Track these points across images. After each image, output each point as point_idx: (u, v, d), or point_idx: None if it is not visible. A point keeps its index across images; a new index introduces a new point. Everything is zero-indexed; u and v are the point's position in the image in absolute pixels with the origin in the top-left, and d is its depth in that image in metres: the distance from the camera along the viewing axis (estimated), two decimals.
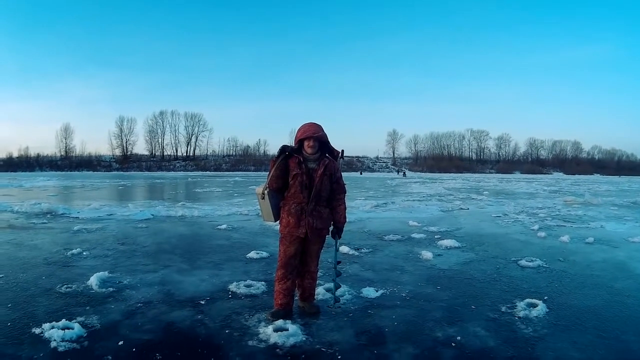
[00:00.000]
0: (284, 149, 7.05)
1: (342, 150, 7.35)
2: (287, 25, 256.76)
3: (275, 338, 6.30)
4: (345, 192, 7.54)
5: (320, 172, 7.03)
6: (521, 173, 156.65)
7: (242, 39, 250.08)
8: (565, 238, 15.17)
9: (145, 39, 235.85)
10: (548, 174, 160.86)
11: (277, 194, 7.24)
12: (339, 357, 5.91)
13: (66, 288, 8.48)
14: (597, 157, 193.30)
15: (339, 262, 7.56)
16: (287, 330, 6.50)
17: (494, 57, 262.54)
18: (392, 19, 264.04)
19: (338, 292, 7.70)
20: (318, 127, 7.09)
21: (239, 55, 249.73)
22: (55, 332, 6.17)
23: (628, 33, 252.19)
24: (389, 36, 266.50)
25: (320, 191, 7.06)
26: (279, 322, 6.78)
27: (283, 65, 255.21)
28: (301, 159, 7.00)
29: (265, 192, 7.07)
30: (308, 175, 7.00)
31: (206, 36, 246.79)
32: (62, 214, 20.32)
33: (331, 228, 7.42)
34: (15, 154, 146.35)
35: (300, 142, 7.06)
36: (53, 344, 5.92)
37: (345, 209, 7.48)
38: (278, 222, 7.35)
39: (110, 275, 9.31)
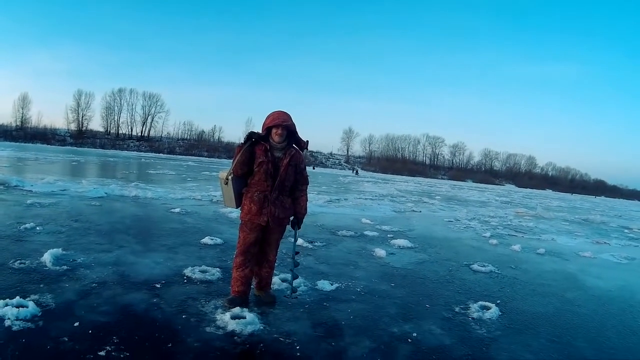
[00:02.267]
0: (251, 135, 6.98)
1: (307, 142, 7.32)
2: (254, 14, 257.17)
3: (232, 325, 6.27)
4: (308, 184, 7.54)
5: (286, 161, 7.01)
6: (473, 182, 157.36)
7: (209, 24, 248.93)
8: (516, 247, 15.37)
9: (112, 15, 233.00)
10: (500, 185, 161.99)
11: (241, 180, 7.18)
12: (297, 347, 5.91)
13: (19, 264, 8.30)
14: (550, 174, 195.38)
15: (297, 253, 7.60)
16: (244, 318, 6.48)
17: (456, 66, 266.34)
18: (359, 17, 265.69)
19: (295, 283, 7.70)
20: (287, 116, 7.06)
21: (204, 39, 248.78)
22: (9, 310, 6.01)
23: (592, 56, 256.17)
24: (353, 34, 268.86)
25: (284, 181, 7.04)
26: (236, 310, 6.75)
27: (245, 53, 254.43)
28: (268, 147, 6.97)
29: (230, 177, 7.00)
30: (274, 164, 6.97)
31: (174, 17, 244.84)
32: (15, 186, 19.96)
33: (291, 218, 7.43)
34: None
35: (268, 129, 7.02)
36: (7, 323, 5.77)
37: (306, 200, 7.49)
38: (239, 208, 7.32)
39: (64, 252, 9.15)
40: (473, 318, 7.65)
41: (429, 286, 9.51)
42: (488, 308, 8.10)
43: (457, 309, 8.04)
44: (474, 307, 8.14)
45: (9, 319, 5.85)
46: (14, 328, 5.68)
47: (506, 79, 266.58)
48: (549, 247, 16.39)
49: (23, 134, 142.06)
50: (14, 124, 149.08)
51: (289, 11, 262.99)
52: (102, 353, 5.24)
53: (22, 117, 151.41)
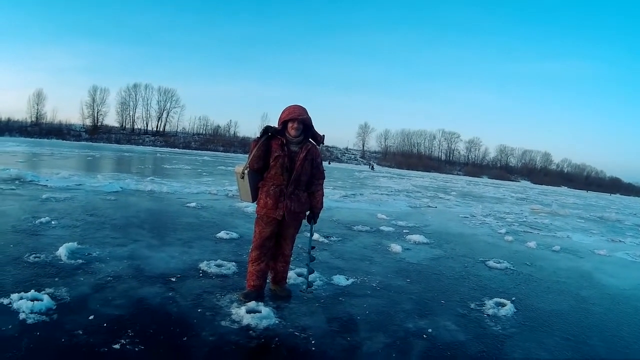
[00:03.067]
0: (267, 129, 6.99)
1: (324, 136, 7.29)
2: (270, 9, 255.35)
3: (248, 319, 6.29)
4: (324, 178, 7.52)
5: (302, 155, 6.99)
6: (489, 178, 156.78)
7: (224, 18, 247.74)
8: (532, 244, 15.30)
9: (126, 10, 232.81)
10: (516, 181, 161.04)
11: (257, 174, 7.16)
12: (312, 341, 5.91)
13: (34, 257, 8.31)
14: (566, 170, 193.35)
15: (313, 248, 7.58)
16: (259, 312, 6.49)
17: (472, 61, 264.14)
18: (375, 13, 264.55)
19: (310, 278, 7.70)
20: (303, 110, 7.03)
21: (219, 34, 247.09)
22: (24, 303, 6.03)
23: (609, 52, 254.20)
24: (369, 29, 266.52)
25: (300, 175, 7.01)
26: (252, 304, 6.76)
27: (261, 48, 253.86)
28: (284, 141, 6.95)
29: (246, 171, 6.98)
30: (290, 158, 6.95)
31: (188, 11, 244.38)
32: (30, 180, 20.03)
33: (307, 213, 7.42)
34: None
35: (284, 123, 7.00)
36: (22, 316, 5.79)
37: (323, 194, 7.47)
38: (255, 202, 7.30)
39: (79, 246, 9.15)
40: (488, 315, 7.62)
41: (444, 282, 9.48)
42: (503, 305, 8.07)
43: (472, 305, 8.01)
44: (489, 303, 8.11)
45: (23, 312, 5.87)
46: (29, 321, 5.69)
47: (522, 74, 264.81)
48: (564, 245, 16.31)
49: (38, 129, 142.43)
50: (29, 120, 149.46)
51: (306, 6, 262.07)
52: (117, 346, 5.26)
53: (37, 113, 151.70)
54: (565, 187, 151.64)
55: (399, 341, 6.19)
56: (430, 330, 6.66)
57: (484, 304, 8.11)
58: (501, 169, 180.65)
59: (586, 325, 7.72)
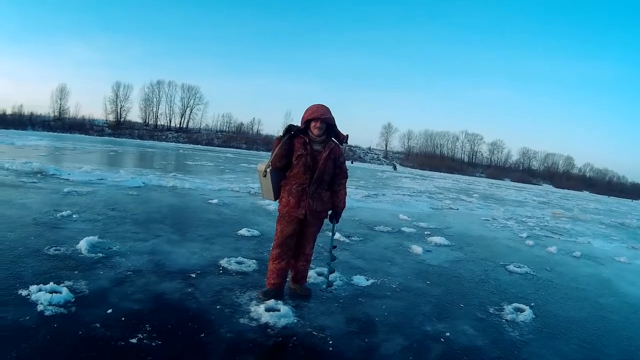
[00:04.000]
0: (290, 128, 7.00)
1: (347, 135, 7.29)
2: (293, 5, 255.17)
3: (266, 318, 6.29)
4: (347, 178, 7.52)
5: (324, 155, 6.99)
6: (511, 181, 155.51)
7: (247, 14, 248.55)
8: (552, 249, 15.20)
9: (149, 6, 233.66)
10: (538, 184, 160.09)
11: (279, 173, 7.18)
12: (330, 342, 5.91)
13: (55, 250, 8.38)
14: (588, 175, 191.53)
15: (334, 247, 7.57)
16: (278, 310, 6.49)
17: (495, 62, 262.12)
18: (401, 11, 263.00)
19: (330, 277, 7.69)
20: (326, 109, 7.03)
21: (242, 31, 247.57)
22: (42, 295, 6.07)
23: (630, 54, 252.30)
24: (394, 28, 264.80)
25: (323, 174, 7.02)
26: (271, 302, 6.77)
27: (284, 46, 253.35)
28: (307, 140, 6.95)
29: (268, 169, 7.00)
30: (312, 157, 6.95)
31: (211, 8, 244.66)
32: (52, 174, 20.16)
33: (329, 212, 7.41)
34: (8, 112, 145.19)
35: (307, 122, 7.00)
36: (40, 307, 5.83)
37: (345, 194, 7.46)
38: (277, 201, 7.31)
39: (99, 240, 9.21)
40: (506, 320, 7.58)
41: (464, 285, 9.45)
42: (522, 310, 8.03)
43: (491, 310, 7.97)
44: (508, 308, 8.06)
45: (42, 304, 5.92)
46: (47, 313, 5.74)
47: (547, 75, 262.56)
48: (584, 250, 16.18)
49: (61, 124, 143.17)
50: (52, 115, 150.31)
51: (330, 4, 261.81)
52: (134, 340, 5.28)
53: (60, 107, 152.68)
54: (587, 192, 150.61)
55: (416, 344, 6.18)
56: (448, 333, 6.63)
57: (503, 308, 8.07)
58: (523, 172, 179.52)
59: (604, 333, 7.66)
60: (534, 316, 7.86)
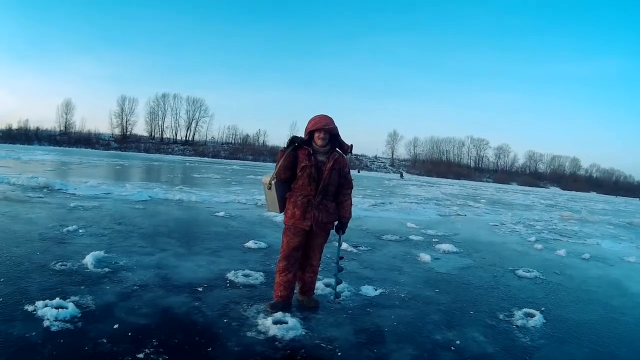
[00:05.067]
0: (293, 139, 6.98)
1: (351, 145, 7.25)
2: (296, 16, 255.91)
3: (274, 330, 6.24)
4: (352, 188, 7.48)
5: (329, 165, 6.96)
6: (518, 184, 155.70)
7: (251, 26, 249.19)
8: (561, 252, 15.14)
9: (153, 20, 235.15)
10: (545, 187, 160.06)
11: (284, 184, 7.15)
12: (339, 354, 5.86)
13: (61, 265, 8.38)
14: (595, 176, 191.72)
15: (341, 258, 7.54)
16: (286, 323, 6.44)
17: (497, 66, 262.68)
18: (401, 19, 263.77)
19: (338, 288, 7.66)
20: (329, 120, 7.00)
21: (245, 43, 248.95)
22: (48, 311, 6.06)
23: (633, 50, 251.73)
24: (396, 36, 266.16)
25: (328, 185, 6.99)
26: (278, 315, 6.72)
27: (288, 57, 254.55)
28: (311, 151, 6.93)
29: (273, 182, 6.98)
30: (317, 168, 6.92)
31: (214, 21, 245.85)
32: (58, 189, 20.24)
33: (335, 223, 7.38)
34: (14, 126, 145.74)
35: (310, 133, 6.98)
36: (46, 323, 5.82)
37: (351, 204, 7.43)
38: (282, 213, 7.27)
39: (106, 255, 9.20)
40: (517, 326, 7.51)
41: (473, 292, 9.40)
42: (532, 315, 7.96)
43: (501, 316, 7.90)
44: (518, 314, 8.00)
45: (48, 319, 5.91)
46: (53, 329, 5.73)
47: (549, 77, 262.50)
48: (593, 252, 16.14)
49: (67, 138, 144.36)
50: (58, 129, 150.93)
51: (333, 15, 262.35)
52: (141, 355, 5.26)
53: (65, 122, 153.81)
54: (594, 193, 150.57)
55: (426, 353, 6.13)
56: (458, 342, 6.58)
57: (513, 314, 8.01)
58: (530, 176, 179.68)
59: (616, 335, 7.59)
60: (544, 321, 7.80)
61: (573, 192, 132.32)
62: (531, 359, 6.31)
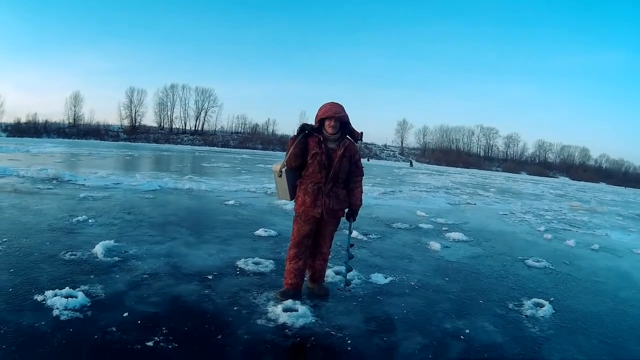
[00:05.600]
0: (304, 127, 6.98)
1: (362, 133, 7.24)
2: (308, 7, 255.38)
3: (284, 318, 6.26)
4: (363, 175, 7.46)
5: (339, 153, 6.95)
6: (527, 174, 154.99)
7: (258, 16, 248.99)
8: (571, 242, 15.10)
9: (160, 11, 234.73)
10: (554, 177, 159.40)
11: (295, 172, 7.16)
12: (349, 341, 5.87)
13: (70, 255, 8.40)
14: (604, 166, 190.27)
15: (352, 245, 7.53)
16: (296, 310, 6.46)
17: (508, 56, 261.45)
18: (411, 10, 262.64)
19: (348, 276, 7.70)
20: (340, 107, 6.99)
21: (254, 33, 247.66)
22: (58, 300, 6.08)
23: None
24: (406, 27, 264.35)
25: (338, 172, 6.98)
26: (288, 302, 6.74)
27: (298, 45, 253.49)
28: (321, 139, 6.91)
29: (283, 170, 6.99)
30: (327, 156, 6.91)
31: (223, 11, 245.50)
32: (68, 180, 20.23)
33: (346, 210, 7.38)
34: (23, 120, 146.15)
35: (321, 121, 6.96)
36: (55, 312, 5.84)
37: (361, 192, 7.41)
38: (293, 200, 7.28)
39: (115, 244, 9.23)
40: (526, 315, 7.51)
41: (483, 281, 9.39)
42: (541, 305, 7.94)
43: (510, 306, 7.90)
44: (528, 304, 7.98)
45: (57, 308, 5.94)
46: (62, 318, 5.76)
47: (560, 67, 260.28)
48: (603, 243, 16.06)
49: (76, 130, 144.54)
50: (66, 122, 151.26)
51: (343, 3, 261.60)
52: (150, 343, 5.28)
53: (74, 114, 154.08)
54: (604, 184, 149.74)
55: (435, 342, 6.14)
56: (467, 331, 6.58)
57: (522, 304, 8.00)
58: (539, 165, 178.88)
59: (624, 327, 7.57)
60: (553, 311, 7.78)
61: (582, 183, 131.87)
62: (540, 349, 6.30)
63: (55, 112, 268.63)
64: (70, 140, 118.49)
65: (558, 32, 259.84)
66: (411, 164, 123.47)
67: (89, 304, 6.22)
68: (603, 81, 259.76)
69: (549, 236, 16.07)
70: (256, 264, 8.76)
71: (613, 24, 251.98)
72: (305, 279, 7.42)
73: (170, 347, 5.24)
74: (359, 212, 7.46)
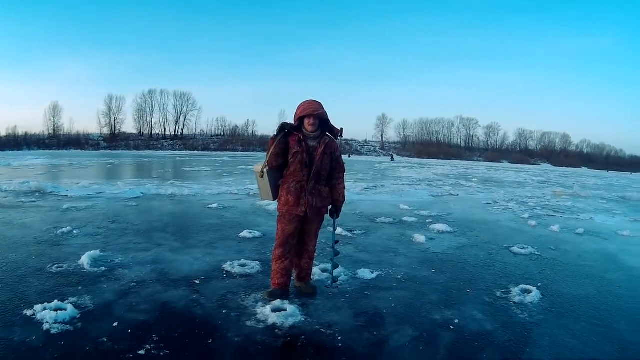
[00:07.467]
0: (283, 126, 6.98)
1: (341, 129, 7.26)
2: (281, 6, 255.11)
3: (273, 318, 6.27)
4: (345, 171, 7.50)
5: (320, 150, 6.98)
6: (509, 162, 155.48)
7: (234, 18, 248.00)
8: (555, 228, 15.19)
9: (136, 17, 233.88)
10: (536, 164, 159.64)
11: (276, 172, 7.17)
12: (339, 338, 5.89)
13: (57, 268, 8.37)
14: (585, 151, 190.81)
15: (336, 242, 7.55)
16: (285, 310, 6.48)
17: (484, 44, 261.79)
18: (386, 2, 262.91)
19: (335, 273, 7.70)
20: (318, 105, 7.02)
21: (230, 35, 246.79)
22: (47, 314, 6.06)
23: (626, 28, 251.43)
24: (381, 19, 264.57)
25: (320, 170, 7.00)
26: (277, 302, 6.76)
27: (275, 45, 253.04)
28: (301, 137, 6.94)
29: (265, 170, 7.00)
30: (308, 154, 6.94)
31: (198, 14, 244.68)
32: (51, 192, 20.05)
33: (329, 207, 7.41)
34: (3, 133, 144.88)
35: (300, 119, 6.99)
36: (46, 326, 5.82)
37: (344, 188, 7.44)
38: (275, 201, 7.29)
39: (101, 254, 9.22)
40: (514, 302, 7.56)
41: (469, 271, 9.45)
42: (529, 292, 7.99)
43: (498, 294, 7.95)
44: (515, 290, 8.04)
45: (47, 322, 5.90)
46: (53, 331, 5.73)
47: (537, 54, 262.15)
48: (587, 227, 16.17)
49: (56, 141, 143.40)
50: (46, 133, 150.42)
51: (316, 1, 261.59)
52: (142, 352, 5.27)
53: (54, 125, 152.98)
54: (586, 168, 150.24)
55: (426, 333, 6.17)
56: (457, 320, 6.62)
57: (510, 291, 8.05)
58: (521, 153, 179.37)
59: (613, 309, 7.62)
60: (541, 296, 7.84)
61: (564, 168, 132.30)
62: (530, 335, 6.34)
63: (34, 123, 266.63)
64: (51, 151, 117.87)
65: (538, 18, 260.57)
66: (392, 158, 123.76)
67: (79, 315, 6.20)
68: (582, 67, 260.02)
69: (533, 223, 16.15)
70: (242, 266, 8.76)
71: (594, 10, 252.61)
72: (292, 278, 7.45)
73: (162, 354, 5.24)
74: (343, 208, 7.49)
